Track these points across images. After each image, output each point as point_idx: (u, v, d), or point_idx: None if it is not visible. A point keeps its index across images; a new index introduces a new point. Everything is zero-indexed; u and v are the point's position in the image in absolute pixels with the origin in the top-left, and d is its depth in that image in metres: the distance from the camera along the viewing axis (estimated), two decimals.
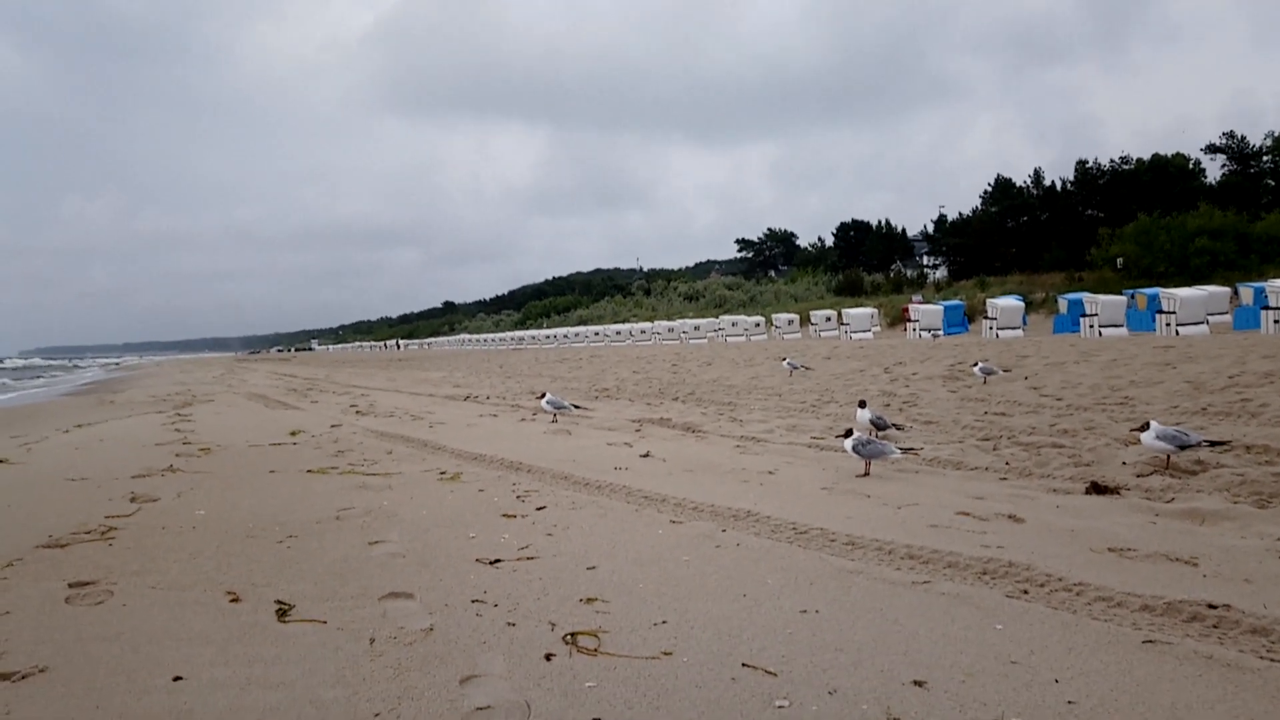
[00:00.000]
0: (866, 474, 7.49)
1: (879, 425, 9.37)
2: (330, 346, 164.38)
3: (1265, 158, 61.01)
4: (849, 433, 7.66)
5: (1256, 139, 61.61)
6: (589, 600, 4.40)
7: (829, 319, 46.00)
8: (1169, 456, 7.07)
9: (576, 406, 13.62)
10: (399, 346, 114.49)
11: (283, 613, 4.35)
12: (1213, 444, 7.08)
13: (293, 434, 12.24)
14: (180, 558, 5.43)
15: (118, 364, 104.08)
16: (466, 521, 6.25)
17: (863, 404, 9.79)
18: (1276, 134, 59.16)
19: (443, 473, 8.40)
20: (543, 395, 13.25)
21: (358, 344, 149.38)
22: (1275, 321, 24.18)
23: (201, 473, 8.77)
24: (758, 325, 50.47)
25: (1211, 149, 63.55)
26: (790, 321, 48.75)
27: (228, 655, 3.80)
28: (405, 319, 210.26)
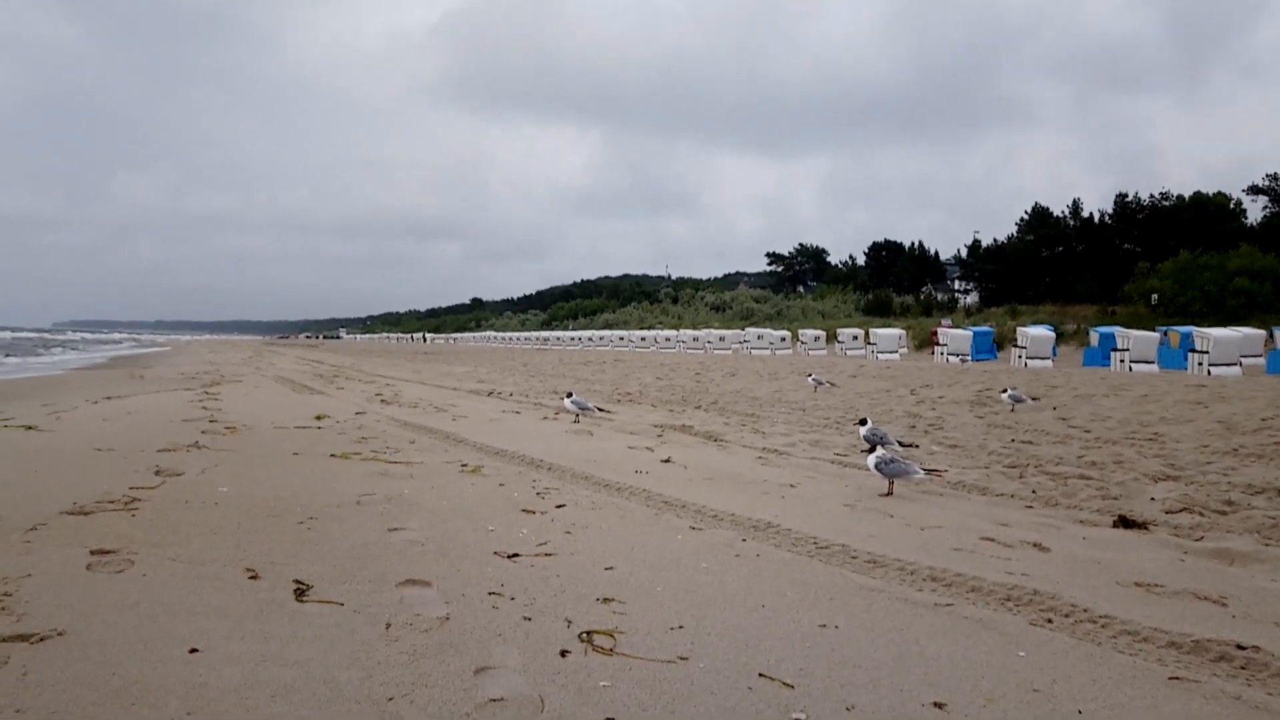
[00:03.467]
0: (890, 493, 7.41)
1: (874, 441, 8.97)
2: (358, 336, 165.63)
3: None
4: (873, 449, 7.57)
5: None
6: (606, 600, 4.37)
7: (856, 338, 45.75)
8: None
9: (600, 409, 13.59)
10: (425, 339, 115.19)
11: (300, 592, 4.35)
12: None
13: (318, 418, 12.31)
14: (201, 532, 5.46)
15: (151, 341, 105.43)
16: (486, 514, 6.24)
17: (863, 421, 9.63)
18: None
19: (464, 465, 8.40)
20: (568, 395, 13.24)
21: (384, 335, 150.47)
22: None
23: (226, 451, 8.83)
24: (783, 340, 50.30)
25: (1254, 190, 62.76)
26: (816, 338, 48.54)
27: (244, 631, 3.81)
28: (433, 313, 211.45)
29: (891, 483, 7.46)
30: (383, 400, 16.32)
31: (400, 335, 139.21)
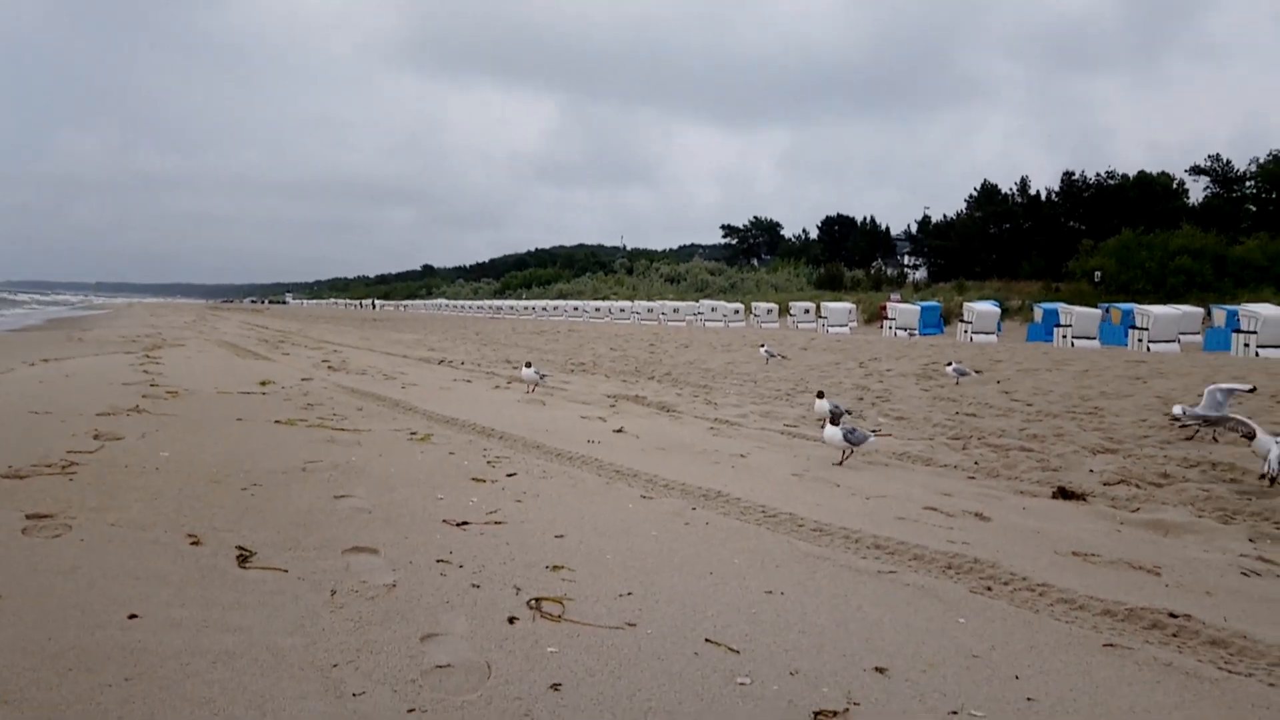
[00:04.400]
0: (842, 463, 7.49)
1: (838, 414, 9.33)
2: (305, 301, 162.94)
3: (1249, 183, 61.65)
4: (835, 419, 7.60)
5: (1242, 164, 62.22)
6: (555, 568, 4.37)
7: (807, 311, 46.13)
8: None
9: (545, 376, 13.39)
10: (374, 306, 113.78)
11: (243, 559, 4.29)
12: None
13: (262, 384, 12.10)
14: (141, 497, 5.35)
15: (91, 303, 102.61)
16: (435, 482, 6.20)
17: (821, 394, 9.90)
18: (1261, 160, 59.77)
19: (413, 433, 8.33)
20: (528, 364, 12.99)
21: (333, 300, 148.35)
22: (1245, 345, 24.50)
23: (168, 415, 8.65)
24: (736, 312, 50.54)
25: (1196, 170, 64.18)
26: (769, 311, 48.86)
27: (185, 597, 3.74)
28: (383, 279, 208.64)
29: (849, 451, 7.53)
30: (330, 367, 16.10)
31: (349, 301, 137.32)
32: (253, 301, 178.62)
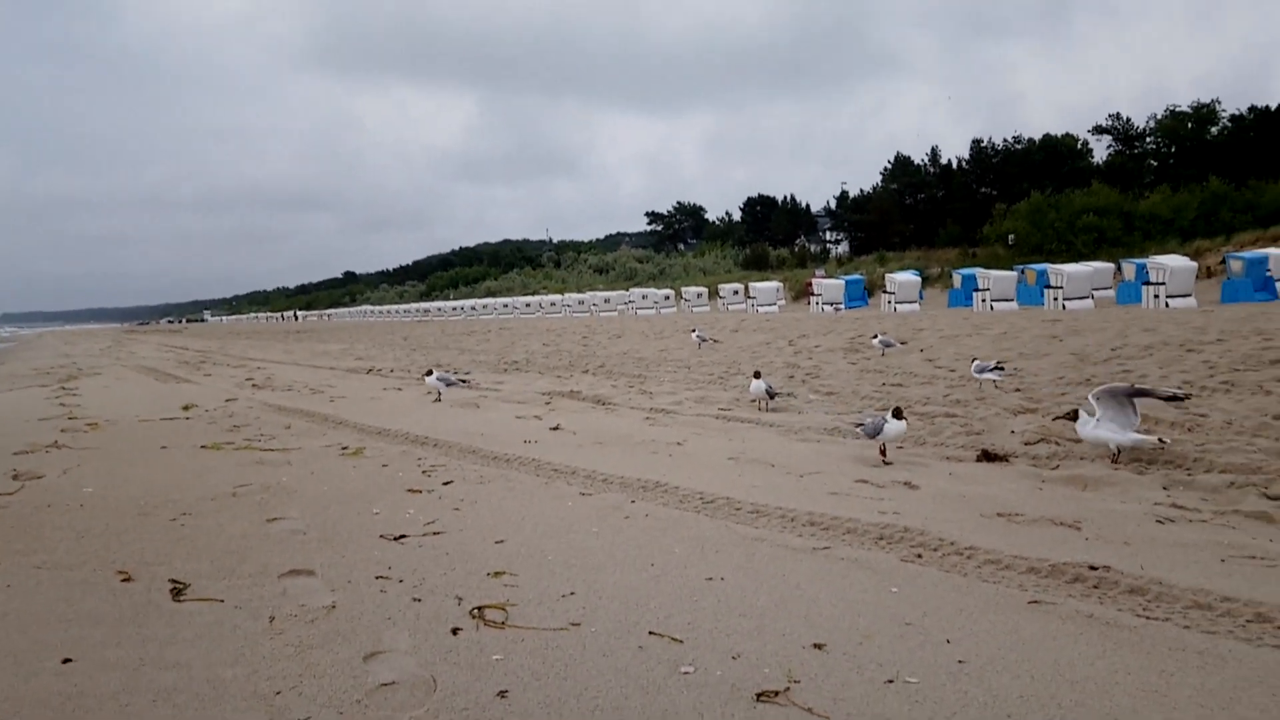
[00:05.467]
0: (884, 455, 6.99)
1: (771, 394, 9.78)
2: (224, 318, 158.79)
3: (1149, 139, 63.90)
4: (898, 412, 6.90)
5: (1140, 121, 64.41)
6: (497, 574, 4.39)
7: (736, 292, 46.54)
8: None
9: (463, 380, 12.99)
10: (296, 317, 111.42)
11: (177, 592, 4.21)
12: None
13: (185, 408, 11.81)
14: (67, 536, 5.21)
15: None
16: (370, 497, 6.15)
17: (758, 375, 10.15)
18: (1159, 116, 62.01)
19: (344, 448, 8.23)
20: (430, 371, 12.54)
21: (253, 315, 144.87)
22: (1155, 296, 25.44)
23: (89, 449, 8.41)
24: (667, 298, 50.75)
25: (1098, 130, 66.25)
26: (699, 295, 49.20)
27: (120, 636, 3.67)
28: (303, 289, 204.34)
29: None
30: (254, 385, 15.77)
31: (270, 314, 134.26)
32: (170, 322, 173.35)
